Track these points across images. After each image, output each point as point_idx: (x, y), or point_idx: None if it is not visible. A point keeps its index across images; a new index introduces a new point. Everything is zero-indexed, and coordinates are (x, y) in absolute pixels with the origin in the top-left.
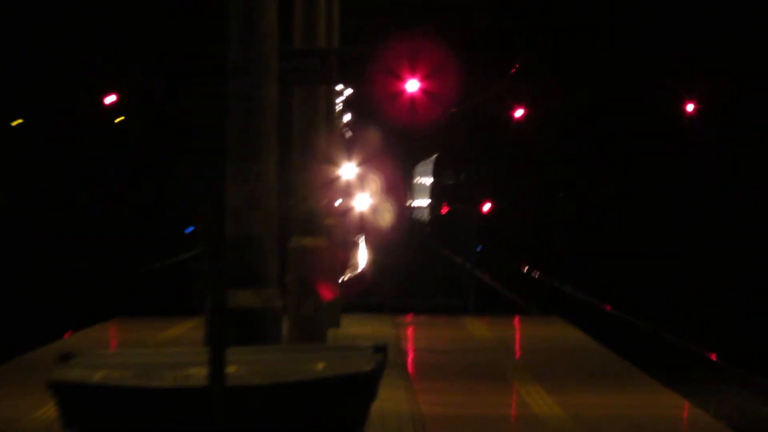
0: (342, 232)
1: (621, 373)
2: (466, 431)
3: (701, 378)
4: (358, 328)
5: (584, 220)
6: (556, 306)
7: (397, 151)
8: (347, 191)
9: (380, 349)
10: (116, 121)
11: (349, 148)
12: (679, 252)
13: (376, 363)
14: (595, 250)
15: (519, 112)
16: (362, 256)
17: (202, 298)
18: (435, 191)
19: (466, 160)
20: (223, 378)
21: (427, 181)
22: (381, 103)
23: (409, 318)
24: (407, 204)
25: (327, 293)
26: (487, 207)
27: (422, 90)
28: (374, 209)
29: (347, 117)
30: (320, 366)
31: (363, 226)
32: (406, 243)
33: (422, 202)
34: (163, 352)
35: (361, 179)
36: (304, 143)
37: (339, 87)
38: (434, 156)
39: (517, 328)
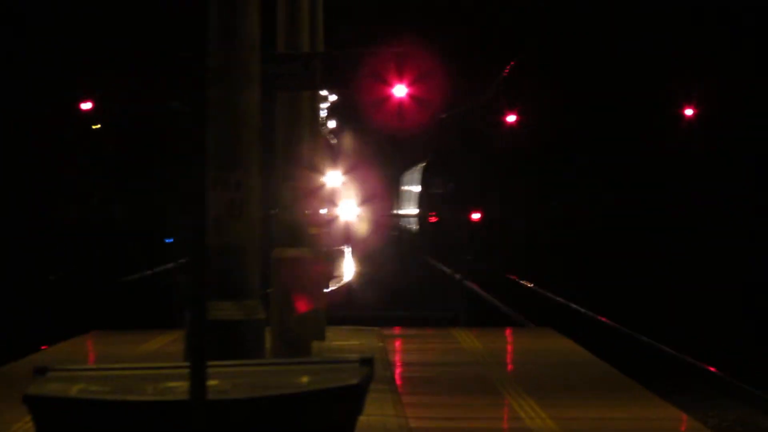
0: (327, 242)
1: (617, 385)
2: None
3: (700, 391)
4: (345, 341)
5: (577, 229)
6: (549, 317)
7: (384, 158)
8: (332, 200)
9: (366, 361)
10: (93, 127)
11: (335, 156)
12: (676, 260)
13: (362, 376)
14: (589, 259)
15: (511, 118)
16: (348, 267)
17: (182, 311)
18: (423, 200)
19: (456, 168)
20: (204, 391)
21: (416, 189)
22: (367, 109)
23: (397, 330)
24: (394, 212)
25: (311, 305)
26: (476, 216)
27: (410, 95)
28: (354, 218)
29: (333, 123)
30: (305, 379)
31: (349, 235)
32: (393, 253)
33: (410, 210)
34: (142, 365)
35: (347, 187)
36: (288, 150)
37: (324, 93)
38: (422, 163)
39: (509, 340)
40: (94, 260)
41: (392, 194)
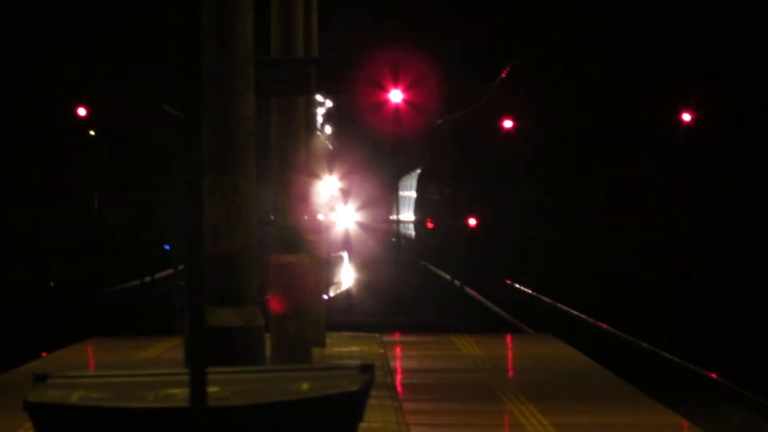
0: (325, 248)
1: (618, 392)
2: None
3: (701, 397)
4: (345, 347)
5: (575, 234)
6: (548, 323)
7: (381, 163)
8: (330, 206)
9: (367, 368)
10: (89, 133)
11: (331, 161)
12: (675, 266)
13: (362, 383)
14: (588, 265)
15: (508, 123)
16: (347, 273)
17: (181, 317)
18: (420, 205)
19: (452, 173)
20: (204, 398)
21: (413, 194)
22: (363, 115)
23: (397, 336)
24: (393, 218)
25: (310, 311)
26: (473, 222)
27: (406, 101)
28: (352, 224)
29: (329, 129)
30: (304, 386)
31: (347, 241)
32: (392, 259)
33: (409, 216)
34: (142, 372)
35: (345, 193)
36: (284, 156)
37: (320, 98)
38: (419, 169)
39: (509, 346)
40: (93, 267)
41: (390, 200)
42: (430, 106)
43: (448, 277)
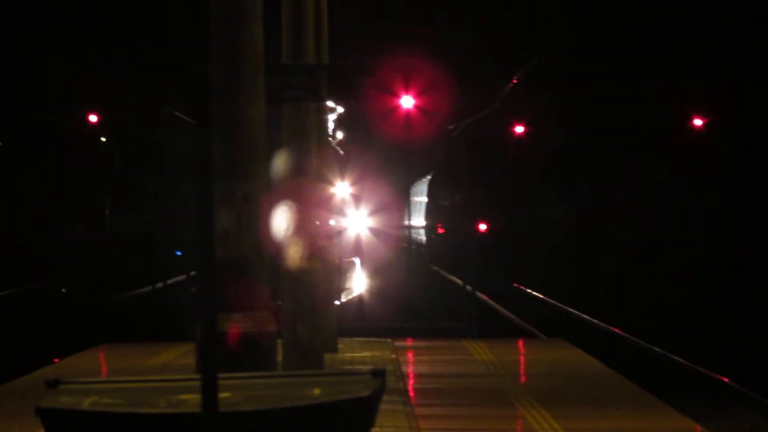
0: (337, 254)
1: (630, 396)
2: None
3: (713, 401)
4: (357, 353)
5: (586, 239)
6: (559, 328)
7: (393, 169)
8: (341, 211)
9: (378, 373)
10: (100, 140)
11: (343, 167)
12: (687, 270)
13: (374, 388)
14: (598, 270)
15: (519, 129)
16: (359, 279)
17: (193, 324)
18: (431, 211)
19: (462, 179)
20: (216, 404)
21: (425, 200)
22: (375, 120)
23: (409, 342)
24: (405, 224)
25: (321, 317)
26: (483, 227)
27: (417, 106)
28: (364, 230)
29: (340, 134)
30: (317, 391)
31: (359, 247)
32: (404, 264)
33: (420, 221)
34: (154, 378)
35: (356, 198)
36: (295, 162)
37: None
38: (430, 174)
39: (521, 351)
40: (106, 273)
41: (402, 205)
42: (442, 111)
43: (459, 282)
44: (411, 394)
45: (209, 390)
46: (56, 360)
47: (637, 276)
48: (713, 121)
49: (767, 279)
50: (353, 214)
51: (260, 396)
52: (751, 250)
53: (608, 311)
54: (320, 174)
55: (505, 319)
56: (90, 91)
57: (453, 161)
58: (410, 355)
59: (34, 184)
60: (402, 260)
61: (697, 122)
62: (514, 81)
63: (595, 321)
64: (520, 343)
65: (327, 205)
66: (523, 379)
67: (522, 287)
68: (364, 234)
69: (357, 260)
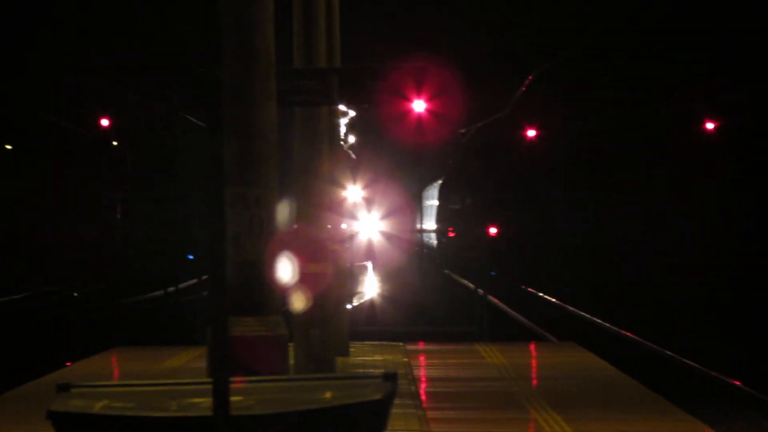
0: (349, 258)
1: (642, 400)
2: None
3: (725, 405)
4: (368, 357)
5: (597, 242)
6: (571, 331)
7: (404, 173)
8: (353, 215)
9: (390, 377)
10: (112, 144)
11: (355, 170)
12: (698, 272)
13: (385, 391)
14: (610, 273)
15: (531, 133)
16: (371, 283)
17: (205, 327)
18: (442, 215)
19: (473, 183)
20: (227, 407)
21: (436, 204)
22: (387, 124)
23: (421, 345)
24: (418, 228)
25: (333, 321)
26: (493, 231)
27: (429, 110)
28: (376, 234)
29: (352, 138)
30: (328, 395)
31: (371, 251)
32: (416, 268)
33: (432, 225)
34: (165, 381)
35: (368, 202)
36: (306, 165)
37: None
38: (441, 179)
39: (533, 354)
40: (117, 276)
41: (414, 209)
42: (454, 115)
43: (470, 285)
44: (423, 397)
45: (221, 393)
46: (68, 364)
47: (650, 277)
48: (725, 123)
49: None
50: (365, 217)
51: (272, 399)
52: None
53: (620, 314)
54: (332, 177)
55: (516, 322)
56: (101, 95)
57: (464, 165)
58: (422, 359)
59: (45, 188)
60: (414, 264)
61: (709, 125)
62: (526, 84)
63: (607, 324)
64: (532, 346)
65: (339, 208)
66: (534, 382)
67: (532, 290)
68: (376, 238)
69: (369, 264)
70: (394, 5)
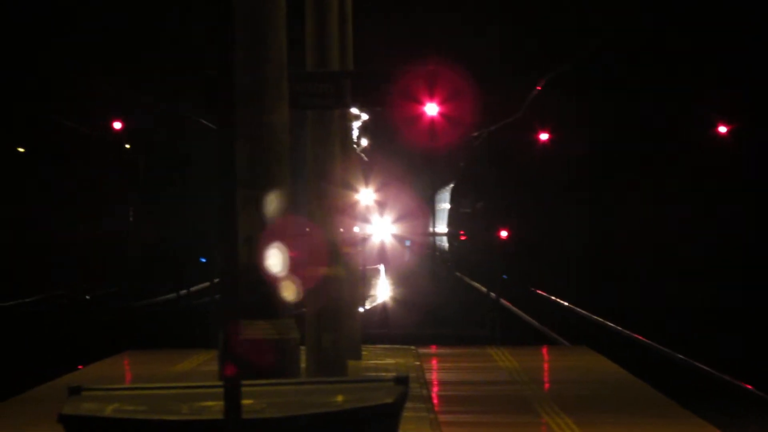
0: (361, 261)
1: (655, 404)
2: None
3: (737, 408)
4: (381, 360)
5: (609, 246)
6: (583, 335)
7: (417, 176)
8: (366, 218)
9: (401, 380)
10: (125, 147)
11: (368, 173)
12: (710, 277)
13: (397, 395)
14: (622, 277)
15: (543, 136)
16: (383, 286)
17: (216, 330)
18: (453, 218)
19: (485, 186)
20: (239, 411)
21: (448, 207)
22: (399, 128)
23: (433, 349)
24: (430, 231)
25: (345, 324)
26: (504, 234)
27: (441, 114)
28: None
29: (365, 141)
30: (340, 398)
31: (383, 254)
32: (428, 271)
33: (444, 229)
34: (177, 384)
35: (380, 205)
36: (319, 168)
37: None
38: (453, 182)
39: (545, 358)
40: (129, 279)
41: (427, 212)
42: (466, 119)
43: (482, 289)
44: (435, 401)
45: (232, 397)
46: (80, 367)
47: (663, 280)
48: (739, 127)
49: None
50: (377, 221)
51: (283, 403)
52: None
53: (633, 318)
54: (344, 180)
55: (528, 325)
56: (115, 99)
57: (475, 168)
58: (434, 362)
59: (57, 191)
60: (426, 267)
61: (722, 129)
62: (539, 88)
63: (619, 328)
64: (544, 350)
65: (351, 211)
66: (547, 386)
67: (542, 293)
68: (389, 241)
69: (381, 267)
70: (407, 9)
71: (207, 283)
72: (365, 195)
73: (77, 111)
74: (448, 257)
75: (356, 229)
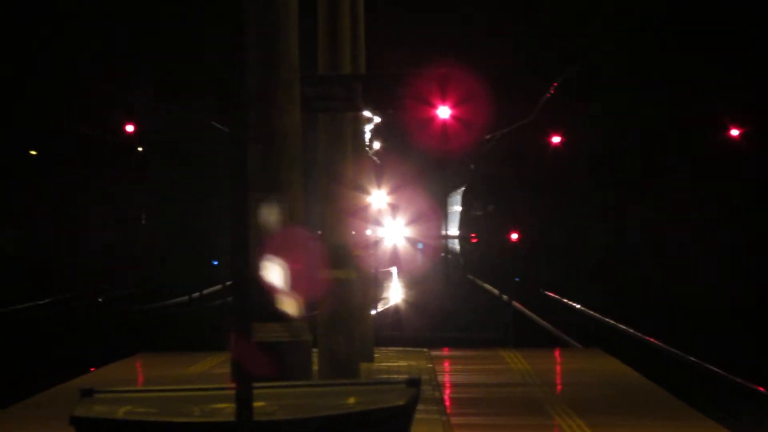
0: (373, 264)
1: (667, 406)
2: None
3: (751, 411)
4: (393, 362)
5: (619, 249)
6: (595, 338)
7: (429, 179)
8: (378, 221)
9: (413, 382)
10: (138, 149)
11: (380, 176)
12: (720, 279)
13: (409, 397)
14: (633, 280)
15: (556, 139)
16: (395, 289)
17: (229, 333)
18: (465, 221)
19: (497, 189)
20: (251, 413)
21: (460, 210)
22: (412, 130)
23: (445, 351)
24: (443, 234)
25: (357, 327)
26: (515, 236)
27: (454, 117)
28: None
29: (377, 144)
30: (351, 401)
31: (395, 257)
32: (441, 274)
33: (456, 231)
34: (189, 387)
35: (393, 208)
36: (331, 171)
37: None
38: (465, 185)
39: (558, 360)
40: (141, 282)
41: (440, 215)
42: (478, 121)
43: (495, 291)
44: (447, 403)
45: (244, 399)
46: (92, 369)
47: (676, 283)
48: (751, 129)
49: None
50: (390, 223)
51: (295, 405)
52: None
53: (646, 321)
54: (356, 183)
55: (540, 327)
56: (127, 102)
57: (487, 171)
58: (446, 365)
59: (69, 193)
60: (439, 270)
61: (734, 132)
62: (551, 90)
63: (631, 330)
64: (557, 352)
65: (363, 214)
66: (559, 388)
67: (554, 295)
68: (401, 244)
69: (394, 270)
70: (419, 11)
71: (219, 286)
72: (377, 198)
73: (88, 114)
74: (460, 260)
75: (369, 232)
